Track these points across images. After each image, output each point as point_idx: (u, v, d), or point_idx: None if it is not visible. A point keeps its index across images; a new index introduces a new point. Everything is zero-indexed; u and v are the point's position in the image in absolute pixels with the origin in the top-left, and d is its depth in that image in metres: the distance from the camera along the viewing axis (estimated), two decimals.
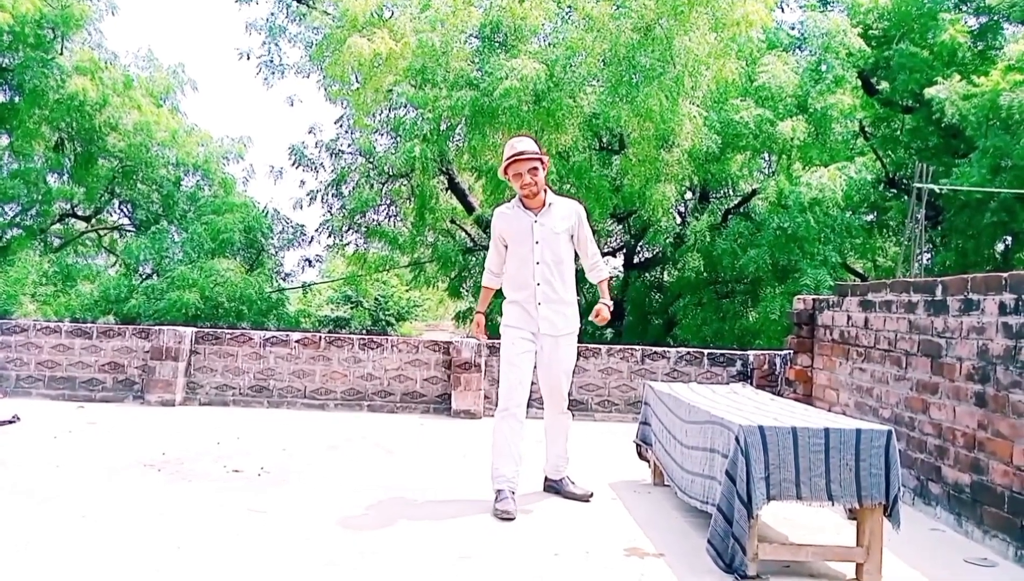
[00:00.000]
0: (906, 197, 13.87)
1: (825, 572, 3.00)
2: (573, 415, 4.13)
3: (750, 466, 2.84)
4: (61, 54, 13.80)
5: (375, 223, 15.13)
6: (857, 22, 13.25)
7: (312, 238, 15.86)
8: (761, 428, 2.87)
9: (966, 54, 12.97)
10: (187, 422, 5.86)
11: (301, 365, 6.77)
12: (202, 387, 6.73)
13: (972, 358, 3.59)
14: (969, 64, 12.81)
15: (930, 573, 3.04)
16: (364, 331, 24.74)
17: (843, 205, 11.61)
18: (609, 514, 3.72)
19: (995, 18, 13.69)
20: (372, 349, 6.82)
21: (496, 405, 3.85)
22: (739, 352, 7.03)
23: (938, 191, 12.65)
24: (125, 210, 17.24)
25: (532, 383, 3.85)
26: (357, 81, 12.40)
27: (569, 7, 11.86)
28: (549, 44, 12.04)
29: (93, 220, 17.36)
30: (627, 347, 6.99)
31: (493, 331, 4.34)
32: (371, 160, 14.56)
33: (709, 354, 6.89)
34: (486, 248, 4.17)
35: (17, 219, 15.57)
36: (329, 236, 15.25)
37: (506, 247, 3.87)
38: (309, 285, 18.50)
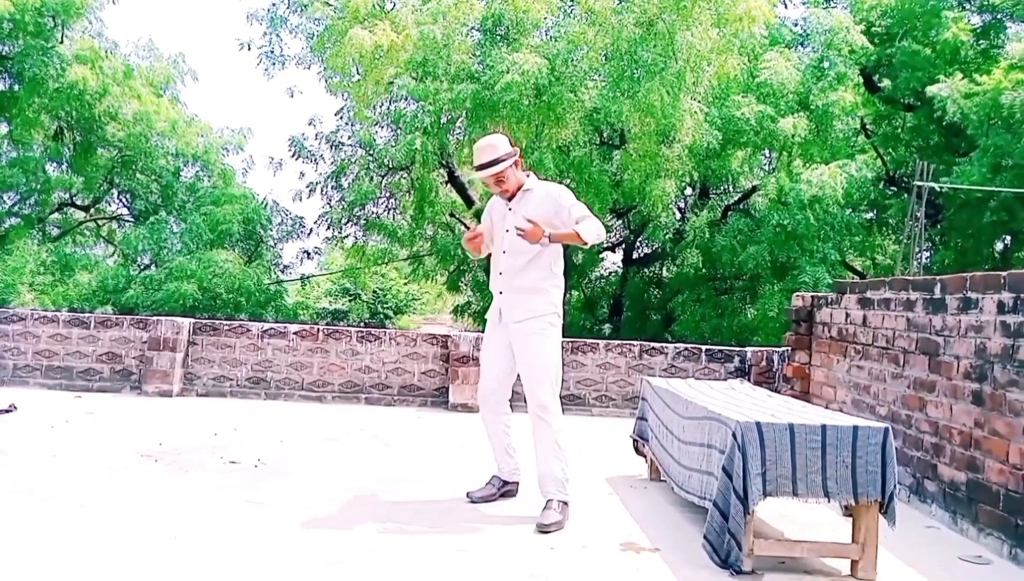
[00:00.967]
0: (906, 195, 13.86)
1: (820, 568, 3.01)
2: (563, 411, 3.74)
3: (747, 462, 2.84)
4: (61, 43, 13.74)
5: (374, 216, 15.10)
6: (860, 19, 13.21)
7: (311, 230, 15.83)
8: (758, 424, 2.87)
9: (969, 52, 12.94)
10: (184, 413, 5.86)
11: (299, 357, 6.77)
12: (199, 378, 6.73)
13: (970, 356, 3.59)
14: (971, 62, 12.78)
15: (925, 570, 3.05)
16: (362, 324, 24.75)
17: (843, 203, 11.60)
18: (605, 509, 3.73)
19: (998, 16, 13.66)
20: (370, 342, 6.82)
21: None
22: (737, 348, 7.03)
23: (938, 189, 12.63)
24: (124, 200, 17.20)
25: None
26: (358, 73, 12.35)
27: (571, 1, 11.82)
28: (551, 38, 12.00)
29: (92, 210, 17.33)
30: (625, 342, 6.99)
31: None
32: (371, 152, 14.52)
33: (707, 350, 6.89)
34: None
35: (16, 208, 15.54)
36: (328, 228, 15.23)
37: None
38: (307, 277, 18.47)
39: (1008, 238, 13.99)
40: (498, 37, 11.54)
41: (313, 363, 6.77)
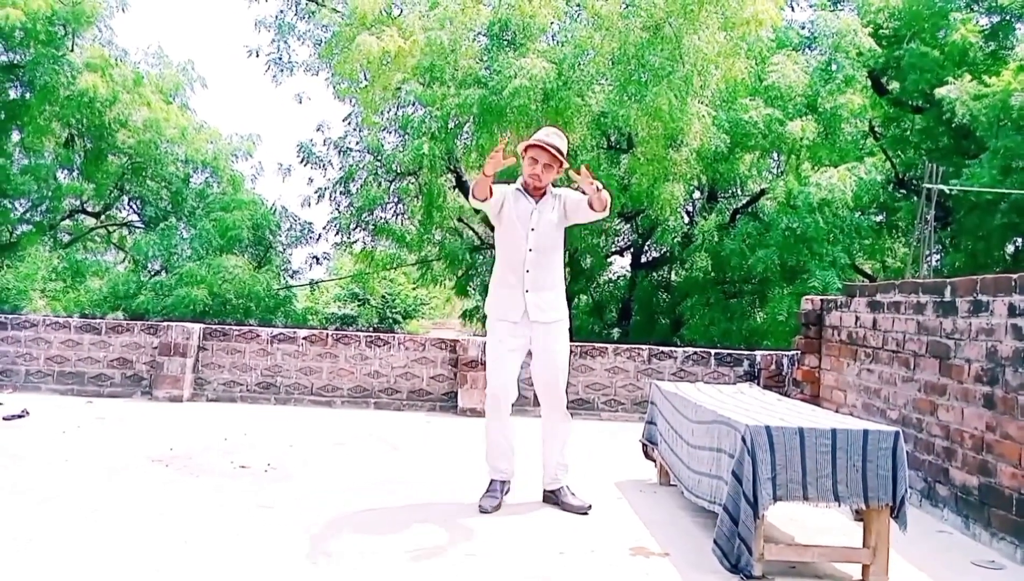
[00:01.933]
0: (916, 198, 13.79)
1: (831, 573, 2.99)
2: (572, 415, 4.00)
3: (756, 466, 2.83)
4: (72, 51, 13.86)
5: (382, 221, 15.14)
6: (867, 21, 13.18)
7: (320, 235, 15.89)
8: (768, 428, 2.86)
9: (977, 54, 12.88)
10: (195, 418, 5.89)
11: (308, 362, 6.79)
12: (210, 383, 6.76)
13: (981, 360, 3.57)
14: (980, 64, 12.72)
15: (937, 575, 3.03)
16: (371, 329, 24.79)
17: (852, 206, 11.56)
18: (615, 513, 3.72)
19: (1007, 18, 13.60)
20: (379, 347, 6.83)
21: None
22: (746, 352, 7.01)
23: (948, 192, 12.57)
24: (134, 206, 17.31)
25: (525, 381, 3.83)
26: (365, 79, 12.41)
27: (578, 5, 11.84)
28: (558, 43, 12.02)
29: (102, 216, 17.44)
30: (634, 346, 6.98)
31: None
32: (379, 158, 14.57)
33: (716, 354, 6.87)
34: (493, 246, 4.09)
35: (27, 215, 15.66)
36: (337, 234, 15.28)
37: (499, 212, 3.76)
38: (316, 282, 18.56)
39: (1019, 240, 13.90)
40: (505, 42, 11.57)
41: (322, 368, 6.79)
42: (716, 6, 10.49)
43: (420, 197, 14.04)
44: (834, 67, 12.47)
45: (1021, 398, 3.27)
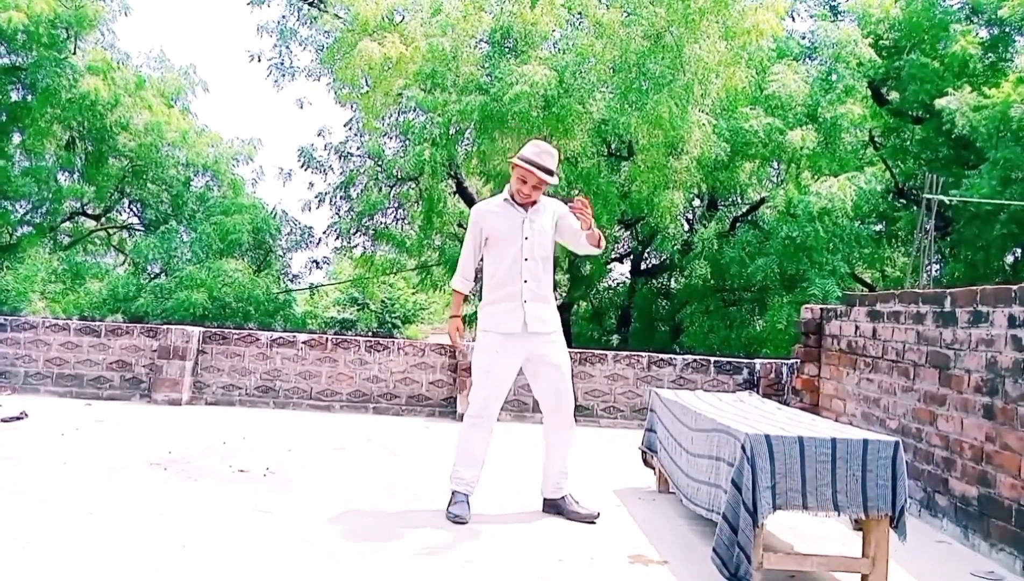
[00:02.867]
0: (915, 208, 13.83)
1: None
2: (576, 420, 3.95)
3: (756, 475, 2.83)
4: (74, 54, 13.89)
5: (383, 226, 15.16)
6: (868, 32, 13.23)
7: (320, 240, 15.91)
8: (767, 437, 2.87)
9: (977, 65, 12.93)
10: (193, 421, 5.88)
11: (307, 366, 6.78)
12: (209, 387, 6.76)
13: (980, 370, 3.57)
14: (980, 76, 12.78)
15: None
16: (370, 333, 24.78)
17: (852, 215, 11.59)
18: (614, 521, 3.72)
19: (1006, 30, 13.65)
20: (378, 351, 6.83)
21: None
22: (746, 360, 7.02)
23: (948, 202, 12.60)
24: (135, 209, 17.32)
25: (524, 387, 3.81)
26: (367, 84, 12.44)
27: (579, 14, 11.88)
28: (559, 50, 12.06)
29: (103, 219, 17.45)
30: (633, 354, 6.98)
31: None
32: (380, 163, 14.60)
33: (715, 362, 6.88)
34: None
35: (28, 217, 15.66)
36: (337, 238, 15.29)
37: (484, 243, 3.75)
38: (316, 287, 18.55)
39: (1019, 251, 13.94)
40: (506, 49, 11.60)
41: (322, 372, 6.78)
42: (717, 16, 10.54)
43: (420, 202, 14.06)
44: (834, 77, 12.52)
45: (1021, 409, 3.28)
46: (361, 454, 5.02)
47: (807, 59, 13.81)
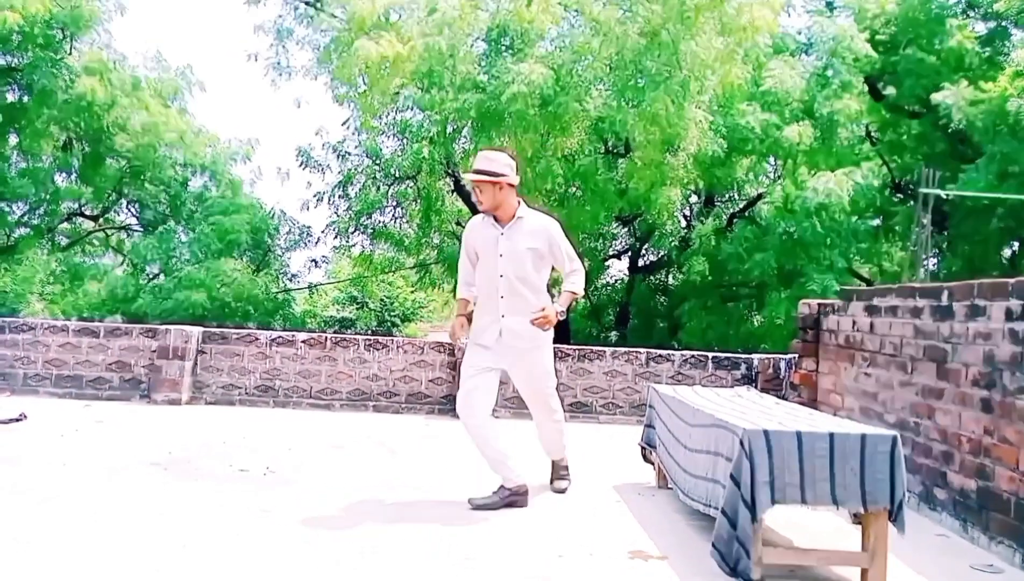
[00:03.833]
0: (912, 202, 13.85)
1: (830, 577, 3.00)
2: (568, 418, 4.18)
3: (755, 470, 2.84)
4: (70, 54, 13.87)
5: (381, 225, 15.16)
6: (864, 27, 13.23)
7: (318, 239, 15.92)
8: (766, 432, 2.87)
9: (973, 60, 12.94)
10: (193, 421, 5.89)
11: (307, 365, 6.79)
12: (208, 386, 6.76)
13: (978, 364, 3.58)
14: (976, 70, 12.78)
15: (935, 579, 3.04)
16: (369, 332, 24.78)
17: (849, 210, 11.61)
18: (613, 517, 3.73)
19: (1003, 24, 13.67)
20: (377, 350, 6.84)
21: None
22: (744, 356, 7.03)
23: (944, 197, 12.62)
24: (132, 210, 17.31)
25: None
26: (364, 83, 12.43)
27: (576, 11, 11.88)
28: (556, 48, 12.06)
29: (100, 220, 17.44)
30: (632, 350, 6.99)
31: None
32: (377, 162, 14.60)
33: (714, 357, 6.89)
34: None
35: (25, 218, 15.66)
36: (335, 237, 15.30)
37: (476, 257, 3.89)
38: (315, 286, 18.56)
39: (1016, 245, 13.96)
40: (503, 48, 11.60)
41: (321, 371, 6.79)
42: (713, 12, 10.55)
43: (418, 201, 14.07)
44: (831, 72, 12.53)
45: (1018, 402, 3.29)
46: (361, 452, 5.03)
47: (803, 55, 13.82)
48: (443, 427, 6.16)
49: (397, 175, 14.15)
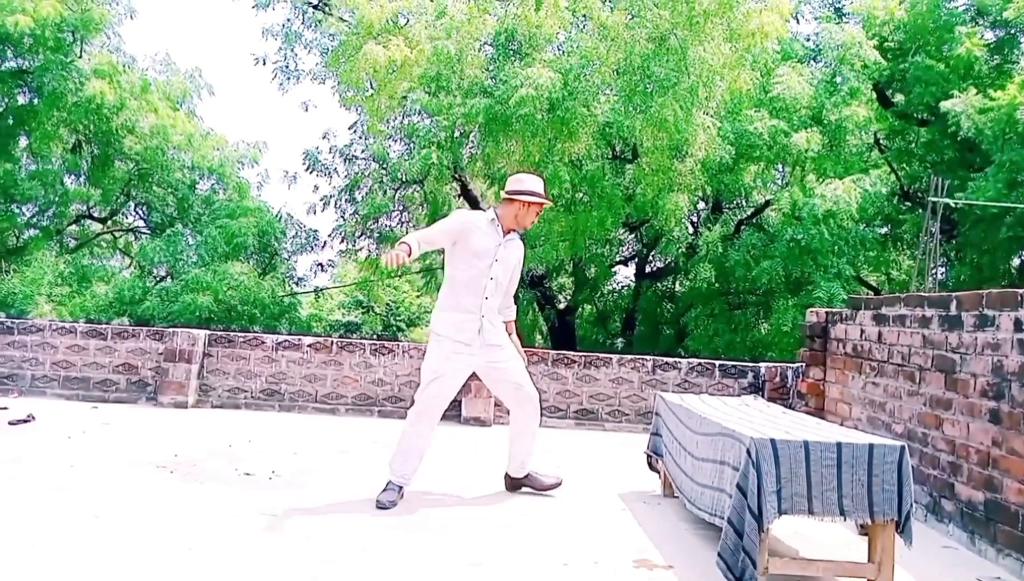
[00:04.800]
0: (921, 210, 13.80)
1: None
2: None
3: (761, 479, 2.83)
4: (80, 57, 13.96)
5: (388, 229, 15.16)
6: (873, 34, 13.21)
7: (325, 243, 15.93)
8: (773, 441, 2.86)
9: (982, 68, 12.90)
10: (199, 424, 5.90)
11: (313, 369, 6.80)
12: (214, 390, 6.77)
13: (987, 374, 3.56)
14: (985, 78, 12.74)
15: None
16: (375, 336, 24.82)
17: (857, 218, 11.57)
18: (618, 525, 3.72)
19: (1012, 32, 13.63)
20: (383, 354, 6.84)
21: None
22: (751, 364, 7.00)
23: (953, 205, 12.57)
24: (140, 212, 17.39)
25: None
26: (372, 87, 12.47)
27: (584, 16, 11.89)
28: (564, 53, 12.07)
29: (109, 222, 17.52)
30: (638, 357, 6.97)
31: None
32: (384, 166, 14.62)
33: (720, 365, 6.87)
34: None
35: (34, 220, 15.74)
36: (342, 241, 15.31)
37: (452, 246, 3.95)
38: (321, 290, 18.58)
39: None
40: (511, 52, 11.62)
41: (327, 375, 6.79)
42: (721, 18, 10.54)
43: (425, 205, 14.08)
44: (839, 79, 12.50)
45: None
46: (366, 457, 5.03)
47: (812, 61, 13.80)
48: (448, 432, 6.15)
49: (404, 179, 14.17)
